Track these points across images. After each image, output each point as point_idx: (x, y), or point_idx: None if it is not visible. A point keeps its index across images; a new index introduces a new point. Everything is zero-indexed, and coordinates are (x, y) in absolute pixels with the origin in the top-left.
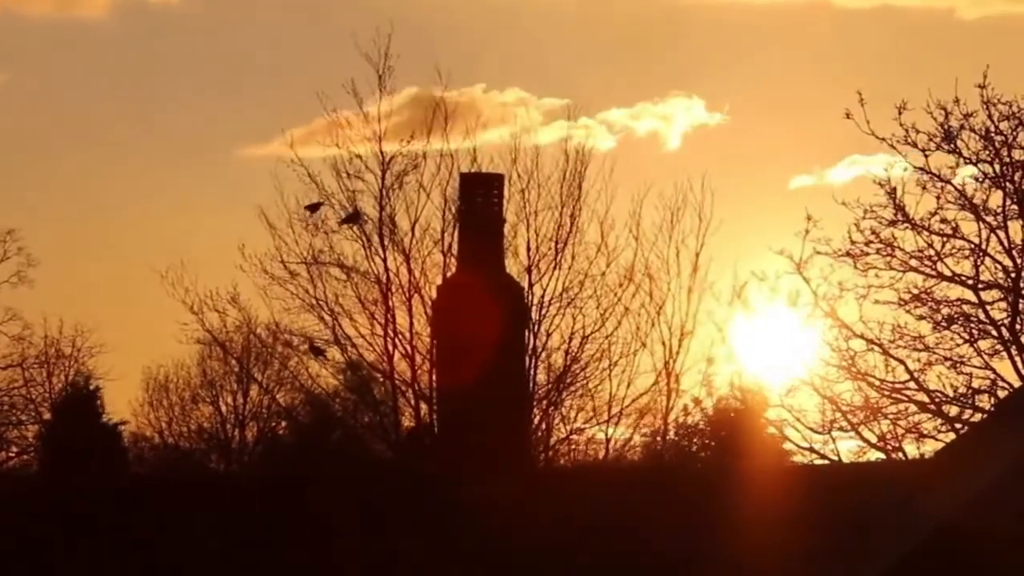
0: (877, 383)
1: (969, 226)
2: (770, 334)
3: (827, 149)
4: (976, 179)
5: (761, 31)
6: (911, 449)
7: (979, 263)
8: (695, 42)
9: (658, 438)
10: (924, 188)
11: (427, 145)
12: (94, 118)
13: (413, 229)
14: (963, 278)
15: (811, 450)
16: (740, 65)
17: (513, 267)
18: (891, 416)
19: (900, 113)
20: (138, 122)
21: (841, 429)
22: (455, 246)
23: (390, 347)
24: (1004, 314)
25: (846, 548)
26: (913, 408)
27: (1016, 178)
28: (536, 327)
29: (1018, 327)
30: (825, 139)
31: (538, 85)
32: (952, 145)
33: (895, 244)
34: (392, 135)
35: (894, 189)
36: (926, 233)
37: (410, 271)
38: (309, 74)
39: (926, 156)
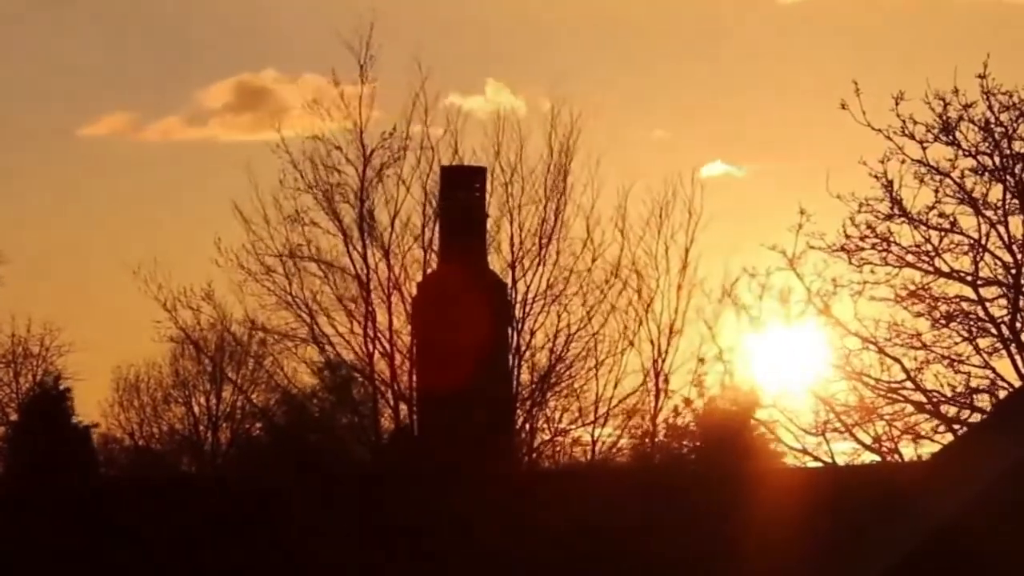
0: (872, 383)
1: (968, 220)
2: (763, 333)
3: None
4: (975, 172)
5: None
6: (907, 451)
7: (978, 259)
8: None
9: (647, 440)
10: (922, 181)
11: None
12: (64, 110)
13: (393, 223)
14: (962, 274)
15: (804, 452)
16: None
17: (496, 263)
18: (887, 417)
19: (897, 103)
20: (108, 111)
21: (835, 430)
22: (436, 241)
23: (370, 346)
24: (1004, 311)
25: (842, 550)
26: (910, 408)
27: (1017, 171)
28: (520, 325)
29: (1018, 325)
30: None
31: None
32: (951, 137)
33: (891, 239)
34: (235, 125)
35: (890, 182)
36: (924, 227)
37: (389, 267)
38: (289, 61)
39: (924, 148)
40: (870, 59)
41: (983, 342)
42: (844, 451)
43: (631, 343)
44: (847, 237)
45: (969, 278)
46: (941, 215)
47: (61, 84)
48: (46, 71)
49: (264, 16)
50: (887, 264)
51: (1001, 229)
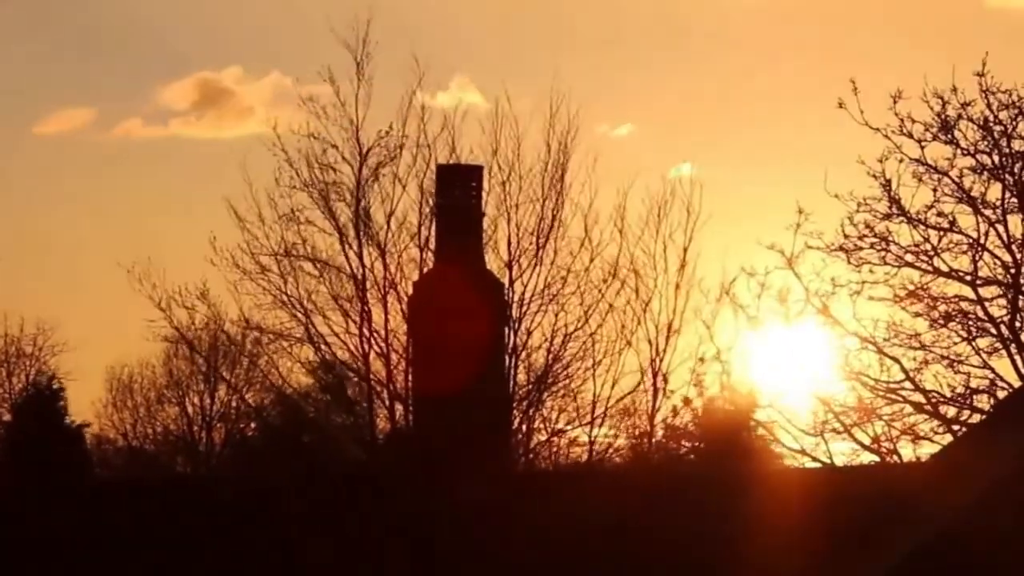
0: (871, 383)
1: (967, 220)
2: (761, 333)
3: None
4: (974, 171)
5: None
6: (906, 452)
7: (977, 258)
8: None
9: (644, 440)
10: (920, 180)
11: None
12: (48, 100)
13: (388, 222)
14: (961, 274)
15: (803, 452)
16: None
17: (493, 262)
18: (886, 417)
19: (895, 102)
20: (70, 108)
21: (834, 431)
22: (432, 240)
23: (365, 346)
24: (1003, 311)
25: (842, 551)
26: (909, 409)
27: (1016, 169)
28: (516, 325)
29: (1017, 324)
30: None
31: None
32: (949, 135)
33: (890, 238)
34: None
35: (889, 181)
36: (922, 227)
37: (385, 266)
38: (286, 59)
39: (922, 147)
40: (868, 57)
41: (982, 342)
42: (843, 452)
43: (629, 343)
44: (845, 236)
45: (968, 278)
46: (940, 214)
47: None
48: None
49: (229, 14)
50: (886, 264)
51: (1000, 228)
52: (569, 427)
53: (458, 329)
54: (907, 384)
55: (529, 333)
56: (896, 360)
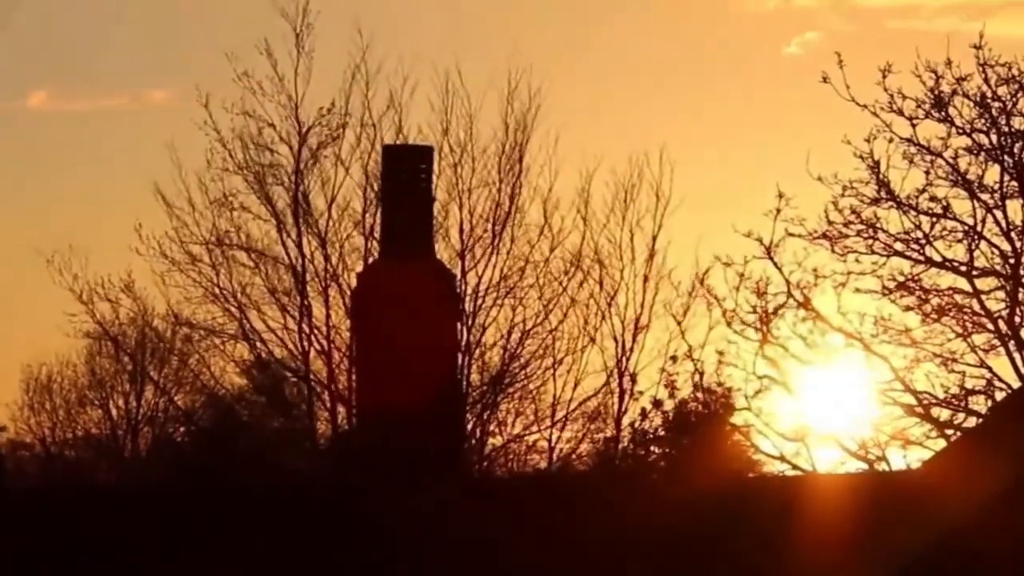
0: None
1: (962, 205)
2: (739, 329)
3: None
4: (970, 151)
5: None
6: (896, 458)
7: (973, 247)
8: None
9: (610, 445)
10: (911, 161)
11: None
12: None
13: (330, 208)
14: (955, 264)
15: (783, 459)
16: None
17: (444, 252)
18: (873, 421)
19: (884, 77)
20: (18, 72)
21: (817, 436)
22: (377, 228)
23: (305, 343)
24: (1001, 304)
25: (830, 564)
26: (898, 412)
27: (1016, 150)
28: (470, 320)
29: (1017, 319)
30: None
31: None
32: (943, 113)
33: (878, 225)
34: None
35: (877, 163)
36: (913, 213)
37: (326, 256)
38: (219, 30)
39: (914, 125)
40: (854, 30)
41: (978, 338)
42: (827, 458)
43: (592, 340)
44: (830, 223)
45: (963, 268)
46: (932, 199)
47: None
48: None
49: None
50: (873, 253)
51: (998, 214)
52: (527, 432)
53: (405, 325)
54: (896, 384)
55: (484, 329)
56: (884, 358)
